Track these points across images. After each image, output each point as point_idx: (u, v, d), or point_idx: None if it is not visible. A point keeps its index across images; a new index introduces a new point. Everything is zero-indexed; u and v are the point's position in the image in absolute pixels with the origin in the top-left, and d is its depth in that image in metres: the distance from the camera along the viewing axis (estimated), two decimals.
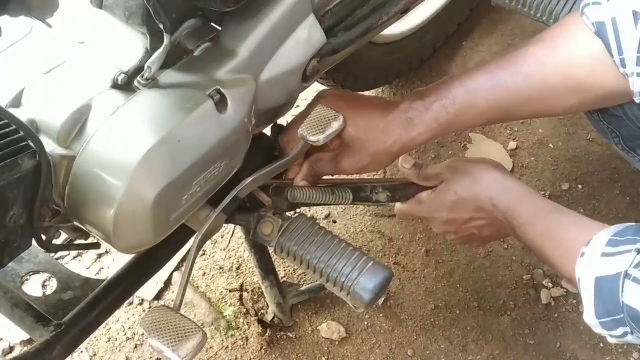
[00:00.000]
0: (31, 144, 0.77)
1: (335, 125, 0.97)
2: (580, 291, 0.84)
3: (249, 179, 0.97)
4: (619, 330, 0.82)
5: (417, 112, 0.98)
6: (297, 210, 1.08)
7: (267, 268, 1.36)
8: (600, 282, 0.81)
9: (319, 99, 1.03)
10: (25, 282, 1.07)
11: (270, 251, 1.32)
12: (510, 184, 1.00)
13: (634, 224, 0.84)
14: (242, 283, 1.53)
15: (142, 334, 1.46)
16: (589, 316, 0.84)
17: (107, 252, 1.58)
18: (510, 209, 0.97)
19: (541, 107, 0.98)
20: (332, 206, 1.64)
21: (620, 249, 0.81)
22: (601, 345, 1.43)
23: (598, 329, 0.84)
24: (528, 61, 0.94)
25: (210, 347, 1.45)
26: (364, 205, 1.10)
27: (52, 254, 1.16)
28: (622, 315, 0.80)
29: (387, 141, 0.99)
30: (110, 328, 1.48)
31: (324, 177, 1.09)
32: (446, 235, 1.08)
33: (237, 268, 1.56)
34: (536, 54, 0.94)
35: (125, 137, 0.82)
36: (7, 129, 0.76)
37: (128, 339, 1.47)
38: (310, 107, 1.01)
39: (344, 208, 1.64)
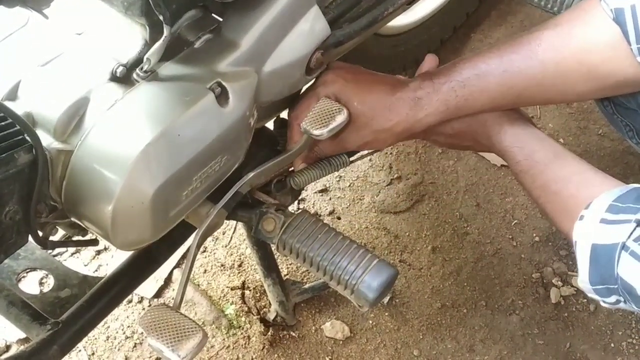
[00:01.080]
0: (27, 138, 0.76)
1: (339, 119, 0.95)
2: (576, 253, 0.83)
3: (251, 174, 0.95)
4: (612, 298, 0.82)
5: (426, 93, 0.96)
6: (301, 206, 1.06)
7: (269, 266, 1.34)
8: (597, 249, 0.80)
9: (329, 70, 1.01)
10: (21, 279, 1.05)
11: (272, 248, 1.31)
12: (506, 120, 0.97)
13: (637, 186, 0.82)
14: (244, 281, 1.52)
15: (142, 332, 1.44)
16: (584, 281, 0.83)
17: (105, 249, 1.57)
18: (511, 150, 0.95)
19: (554, 93, 0.96)
20: (336, 203, 1.63)
21: (620, 217, 0.79)
22: (612, 345, 1.41)
23: (591, 294, 0.84)
24: (543, 46, 0.92)
25: (212, 347, 1.44)
26: (362, 158, 1.08)
27: (49, 251, 1.14)
28: (616, 285, 0.80)
29: (392, 119, 0.97)
30: (109, 327, 1.46)
31: None
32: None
33: (239, 265, 1.54)
34: (551, 39, 0.92)
35: (124, 131, 0.81)
36: (2, 123, 0.75)
37: (127, 337, 1.45)
38: (325, 72, 1.00)
39: (348, 204, 1.62)
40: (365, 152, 1.08)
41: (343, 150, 1.03)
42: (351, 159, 1.06)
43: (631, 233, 0.78)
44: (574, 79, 0.93)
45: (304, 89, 1.04)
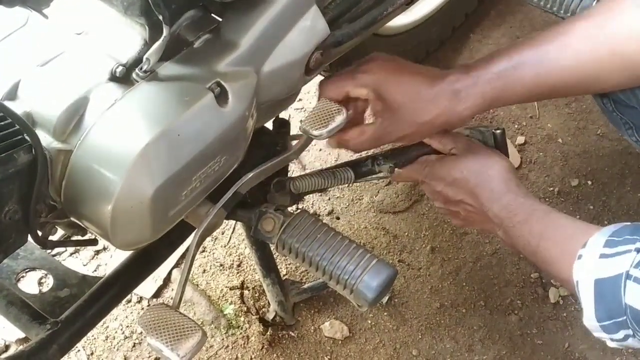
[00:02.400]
0: (27, 137, 0.75)
1: (339, 120, 0.95)
2: (578, 294, 0.82)
3: (250, 174, 0.95)
4: (620, 334, 0.80)
5: (464, 86, 0.97)
6: (300, 206, 1.06)
7: (268, 265, 1.34)
8: (600, 284, 0.79)
9: (367, 61, 1.02)
10: (21, 279, 1.05)
11: (271, 248, 1.31)
12: (514, 186, 0.99)
13: (628, 223, 0.83)
14: (243, 281, 1.52)
15: (141, 332, 1.44)
16: (589, 319, 0.82)
17: (105, 249, 1.57)
18: (507, 209, 0.96)
19: (589, 83, 0.96)
20: (335, 203, 1.62)
21: (619, 249, 0.79)
22: None
23: (598, 333, 0.82)
24: (577, 36, 0.93)
25: (211, 346, 1.44)
26: (366, 181, 1.08)
27: (49, 251, 1.14)
28: (624, 317, 0.78)
29: (432, 112, 0.98)
30: (108, 326, 1.46)
31: None
32: (434, 201, 1.08)
33: (238, 265, 1.54)
34: (585, 29, 0.92)
35: (123, 131, 0.81)
36: (2, 123, 0.75)
37: (126, 337, 1.45)
38: (364, 61, 1.02)
39: (347, 204, 1.62)
40: (372, 176, 1.09)
41: (381, 144, 1.03)
42: (357, 179, 1.07)
43: (633, 261, 0.77)
44: (608, 69, 0.93)
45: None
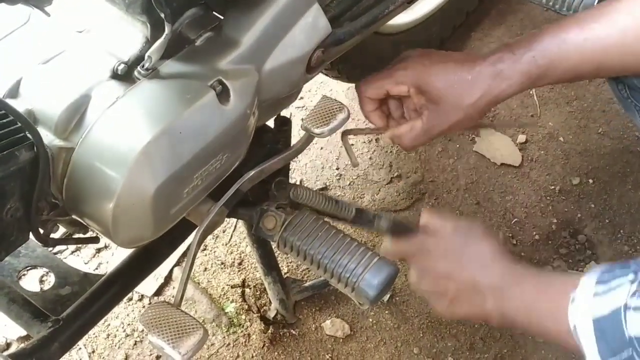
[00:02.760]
0: (29, 135, 0.75)
1: (340, 117, 0.96)
2: (578, 339, 0.79)
3: (252, 172, 0.95)
4: None
5: (507, 65, 0.96)
6: None
7: (270, 264, 1.34)
8: (599, 322, 0.77)
9: (402, 59, 1.02)
10: (22, 277, 1.05)
11: (273, 246, 1.31)
12: (502, 255, 0.95)
13: (615, 263, 0.81)
14: (244, 279, 1.52)
15: (142, 330, 1.44)
16: None
17: (106, 246, 1.57)
18: (500, 276, 0.93)
19: (633, 61, 0.95)
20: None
21: (611, 284, 0.77)
22: None
23: None
24: (623, 14, 0.92)
25: (212, 344, 1.44)
26: (359, 228, 1.08)
27: (50, 249, 1.14)
28: (629, 350, 0.75)
29: (475, 94, 0.97)
30: (109, 324, 1.46)
31: None
32: (421, 283, 1.00)
33: (239, 264, 1.54)
34: (631, 6, 0.92)
35: (125, 129, 0.81)
36: (4, 120, 0.75)
37: (127, 335, 1.45)
38: (400, 59, 1.01)
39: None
40: (367, 228, 1.07)
41: (434, 135, 1.02)
42: (354, 221, 1.06)
43: (629, 291, 0.75)
44: None
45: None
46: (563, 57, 0.94)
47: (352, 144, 1.70)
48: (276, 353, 1.43)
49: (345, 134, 1.10)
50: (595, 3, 1.08)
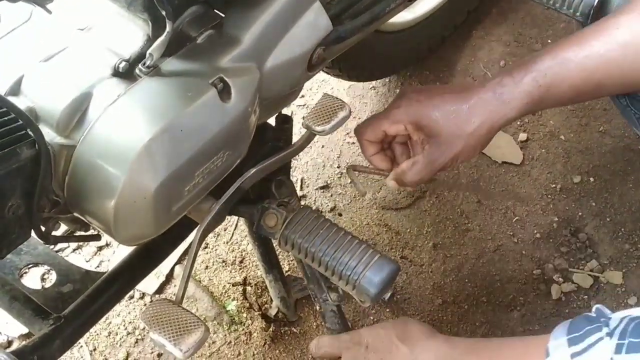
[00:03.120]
0: (30, 133, 0.75)
1: (341, 115, 0.95)
2: None
3: (253, 170, 0.95)
4: None
5: (508, 88, 0.94)
6: (302, 203, 1.06)
7: (271, 262, 1.34)
8: None
9: (398, 97, 1.01)
10: (24, 274, 1.05)
11: (274, 244, 1.31)
12: (441, 336, 0.95)
13: (576, 318, 0.79)
14: (246, 277, 1.52)
15: (143, 328, 1.44)
16: None
17: (107, 244, 1.57)
18: (444, 348, 0.92)
19: (634, 77, 0.94)
20: (337, 199, 1.63)
21: (588, 341, 0.75)
22: None
23: None
24: (622, 29, 0.91)
25: (213, 342, 1.44)
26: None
27: (52, 246, 1.14)
28: None
29: (474, 122, 0.95)
30: (110, 322, 1.46)
31: None
32: None
33: (241, 262, 1.55)
34: (629, 22, 0.91)
35: (126, 126, 0.81)
36: (5, 118, 0.75)
37: (129, 333, 1.46)
38: (394, 99, 1.00)
39: (350, 201, 1.62)
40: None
41: (437, 169, 0.99)
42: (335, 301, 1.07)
43: (612, 348, 0.72)
44: None
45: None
46: (564, 76, 0.93)
47: (354, 142, 1.70)
48: (277, 351, 1.43)
49: (350, 168, 1.09)
50: (596, 2, 1.08)
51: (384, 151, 1.04)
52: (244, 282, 1.51)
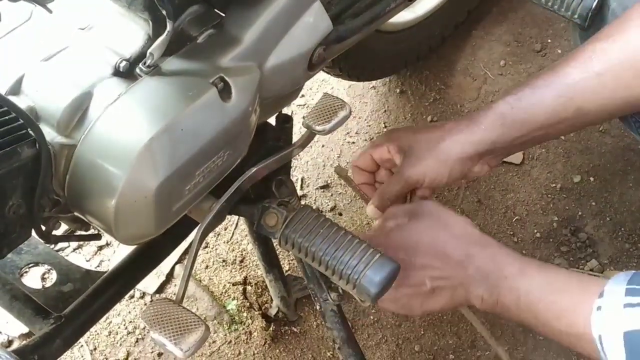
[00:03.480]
0: (31, 132, 0.75)
1: (342, 114, 0.95)
2: (602, 349, 0.74)
3: (254, 169, 0.95)
4: None
5: (482, 112, 0.95)
6: (302, 202, 1.06)
7: (271, 261, 1.34)
8: (631, 337, 0.72)
9: (386, 140, 1.01)
10: (24, 274, 1.05)
11: (274, 244, 1.31)
12: (490, 239, 0.89)
13: (636, 271, 0.78)
14: (246, 276, 1.52)
15: (144, 328, 1.44)
16: None
17: (108, 244, 1.57)
18: (493, 260, 0.85)
19: (617, 104, 0.92)
20: (337, 199, 1.63)
21: None
22: None
23: None
24: (597, 57, 0.90)
25: (213, 342, 1.44)
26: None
27: (52, 246, 1.14)
28: None
29: (445, 139, 0.95)
30: (111, 322, 1.46)
31: None
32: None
33: (241, 261, 1.55)
34: (605, 49, 0.90)
35: (127, 126, 0.81)
36: (6, 117, 0.74)
37: (129, 333, 1.46)
38: (378, 139, 1.02)
39: (350, 200, 1.62)
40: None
41: (410, 187, 0.98)
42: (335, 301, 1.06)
43: None
44: (636, 87, 0.90)
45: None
46: (539, 99, 0.92)
47: (354, 142, 1.70)
48: (277, 350, 1.43)
49: (338, 170, 1.11)
50: (594, 5, 1.08)
51: (373, 185, 1.05)
52: (244, 282, 1.51)
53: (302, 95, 1.76)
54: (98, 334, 1.46)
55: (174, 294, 1.47)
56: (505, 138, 0.94)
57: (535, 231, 1.55)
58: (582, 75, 0.91)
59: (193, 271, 1.40)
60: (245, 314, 1.47)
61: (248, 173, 0.94)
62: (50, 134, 0.80)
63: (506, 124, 0.94)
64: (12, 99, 0.80)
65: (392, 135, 1.01)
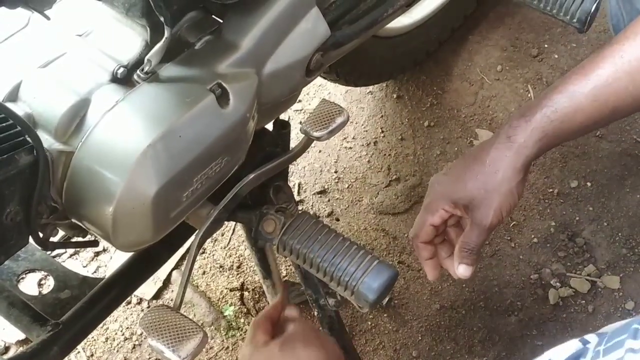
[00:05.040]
0: (28, 139, 0.75)
1: (339, 120, 0.95)
2: None
3: (251, 176, 0.95)
4: None
5: (520, 129, 0.95)
6: (299, 208, 1.06)
7: (268, 267, 1.34)
8: None
9: (429, 189, 1.01)
10: (21, 280, 1.05)
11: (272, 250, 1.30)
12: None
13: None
14: (243, 282, 1.52)
15: (141, 334, 1.44)
16: None
17: (104, 250, 1.57)
18: None
19: None
20: (334, 204, 1.63)
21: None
22: None
23: None
24: (626, 57, 0.91)
25: (211, 348, 1.43)
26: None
27: (49, 252, 1.14)
28: None
29: (498, 172, 0.95)
30: (108, 328, 1.46)
31: None
32: None
33: (238, 267, 1.54)
34: (634, 48, 0.90)
35: (125, 133, 0.81)
36: (3, 124, 0.74)
37: (126, 339, 1.45)
38: (427, 195, 1.00)
39: (347, 206, 1.62)
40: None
41: (491, 231, 0.98)
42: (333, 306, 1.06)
43: None
44: None
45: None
46: (576, 108, 0.93)
47: (351, 147, 1.70)
48: None
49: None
50: (592, 10, 1.08)
51: (436, 248, 1.04)
52: (242, 288, 1.51)
53: (299, 101, 1.77)
54: (95, 340, 1.45)
55: (171, 300, 1.47)
56: (544, 148, 0.96)
57: (533, 236, 1.55)
58: (615, 76, 0.91)
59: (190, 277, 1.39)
60: (242, 320, 1.46)
61: (246, 179, 0.94)
62: (47, 141, 0.80)
63: (548, 137, 0.94)
64: (10, 105, 0.80)
65: (439, 194, 0.99)
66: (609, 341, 0.64)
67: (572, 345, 0.70)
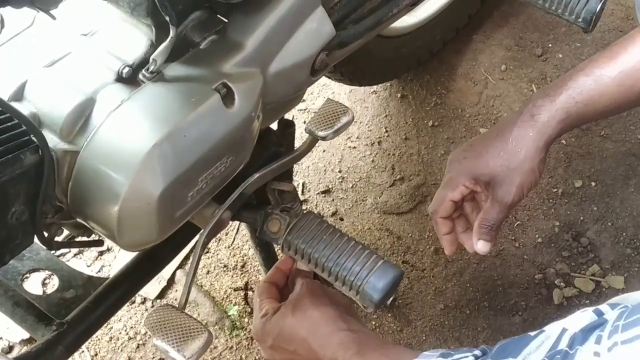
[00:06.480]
0: (34, 138, 0.75)
1: (344, 120, 0.95)
2: None
3: (256, 175, 0.95)
4: None
5: (545, 108, 0.95)
6: (304, 208, 1.06)
7: (272, 267, 1.34)
8: None
9: (448, 165, 1.02)
10: (25, 279, 1.05)
11: (276, 249, 1.30)
12: (342, 323, 0.91)
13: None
14: (247, 282, 1.51)
15: (145, 333, 1.44)
16: None
17: (109, 249, 1.57)
18: (341, 346, 0.88)
19: None
20: (339, 204, 1.62)
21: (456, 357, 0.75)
22: None
23: None
24: None
25: (215, 348, 1.43)
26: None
27: (54, 252, 1.14)
28: None
29: (521, 151, 0.96)
30: (112, 327, 1.46)
31: None
32: None
33: (242, 266, 1.54)
34: None
35: (130, 132, 0.81)
36: (9, 123, 0.74)
37: (130, 338, 1.45)
38: (446, 173, 1.02)
39: (351, 205, 1.62)
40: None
41: (511, 209, 0.99)
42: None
43: None
44: None
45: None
46: (601, 91, 0.93)
47: (355, 147, 1.70)
48: None
49: None
50: (598, 8, 1.08)
51: (453, 223, 1.04)
52: (246, 287, 1.51)
53: (303, 100, 1.76)
54: (99, 339, 1.45)
55: (176, 299, 1.47)
56: (565, 129, 0.96)
57: (537, 236, 1.55)
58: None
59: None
60: (246, 320, 1.46)
61: (251, 179, 0.94)
62: (53, 140, 0.80)
63: (571, 118, 0.95)
64: (15, 105, 0.80)
65: (460, 171, 1.00)
66: (629, 316, 0.65)
67: (586, 315, 0.71)
